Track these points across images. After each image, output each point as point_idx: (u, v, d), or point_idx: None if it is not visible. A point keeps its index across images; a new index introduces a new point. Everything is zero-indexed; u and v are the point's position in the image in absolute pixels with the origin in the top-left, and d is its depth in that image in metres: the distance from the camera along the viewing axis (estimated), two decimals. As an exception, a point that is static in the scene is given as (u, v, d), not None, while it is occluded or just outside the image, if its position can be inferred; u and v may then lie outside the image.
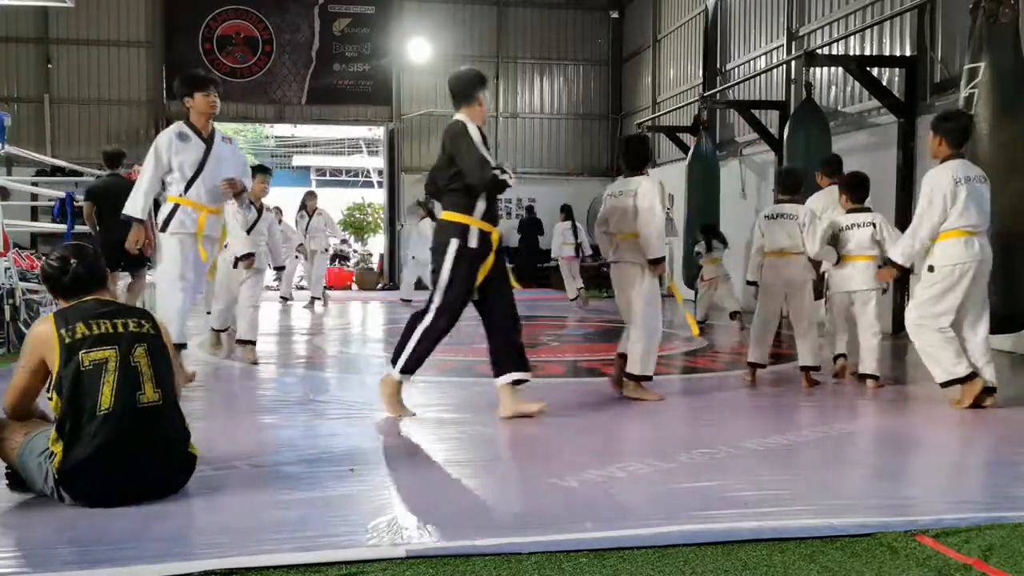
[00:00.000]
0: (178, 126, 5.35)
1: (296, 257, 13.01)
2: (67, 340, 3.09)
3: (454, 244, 4.58)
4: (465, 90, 4.76)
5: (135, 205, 5.28)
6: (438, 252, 4.66)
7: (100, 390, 3.07)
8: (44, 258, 3.41)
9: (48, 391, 3.17)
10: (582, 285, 13.16)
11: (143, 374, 3.16)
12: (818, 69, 10.56)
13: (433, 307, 4.63)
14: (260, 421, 4.87)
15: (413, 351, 4.64)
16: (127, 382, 3.11)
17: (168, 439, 3.23)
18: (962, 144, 5.05)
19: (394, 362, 4.69)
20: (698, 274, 10.73)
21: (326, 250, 13.40)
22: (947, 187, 4.87)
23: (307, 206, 12.96)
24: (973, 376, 4.95)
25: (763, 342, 6.03)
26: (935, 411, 5.03)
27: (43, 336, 3.14)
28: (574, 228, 13.29)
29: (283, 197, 14.90)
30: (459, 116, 4.73)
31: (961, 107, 5.67)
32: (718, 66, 13.99)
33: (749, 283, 6.22)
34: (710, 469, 3.72)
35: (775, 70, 11.82)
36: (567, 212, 13.46)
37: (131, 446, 3.10)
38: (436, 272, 4.67)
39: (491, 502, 3.29)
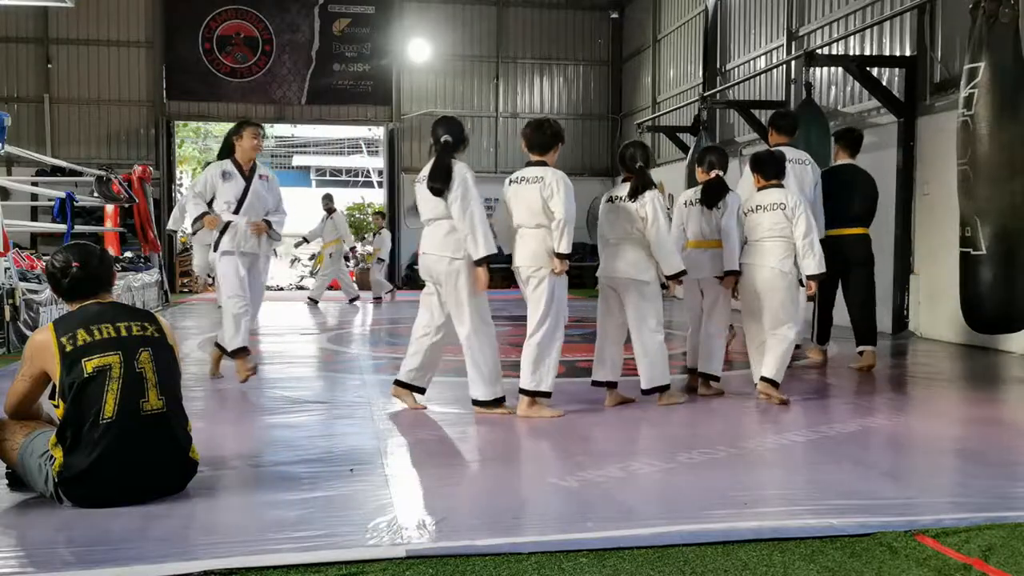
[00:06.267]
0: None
1: None
2: (68, 348, 3.07)
3: None
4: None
5: None
6: None
7: (103, 398, 3.06)
8: (49, 257, 3.40)
9: (53, 398, 3.17)
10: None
11: (147, 380, 3.14)
12: (818, 69, 10.55)
13: None
14: (260, 421, 4.87)
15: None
16: (131, 390, 3.10)
17: (169, 447, 3.21)
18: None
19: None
20: None
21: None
22: None
23: None
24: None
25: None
26: (935, 411, 5.03)
27: (43, 345, 3.13)
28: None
29: (284, 197, 14.73)
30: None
31: (961, 107, 5.65)
32: (718, 66, 13.97)
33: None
34: (710, 469, 3.72)
35: (775, 70, 11.81)
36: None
37: (131, 455, 3.09)
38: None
39: (491, 502, 3.28)
